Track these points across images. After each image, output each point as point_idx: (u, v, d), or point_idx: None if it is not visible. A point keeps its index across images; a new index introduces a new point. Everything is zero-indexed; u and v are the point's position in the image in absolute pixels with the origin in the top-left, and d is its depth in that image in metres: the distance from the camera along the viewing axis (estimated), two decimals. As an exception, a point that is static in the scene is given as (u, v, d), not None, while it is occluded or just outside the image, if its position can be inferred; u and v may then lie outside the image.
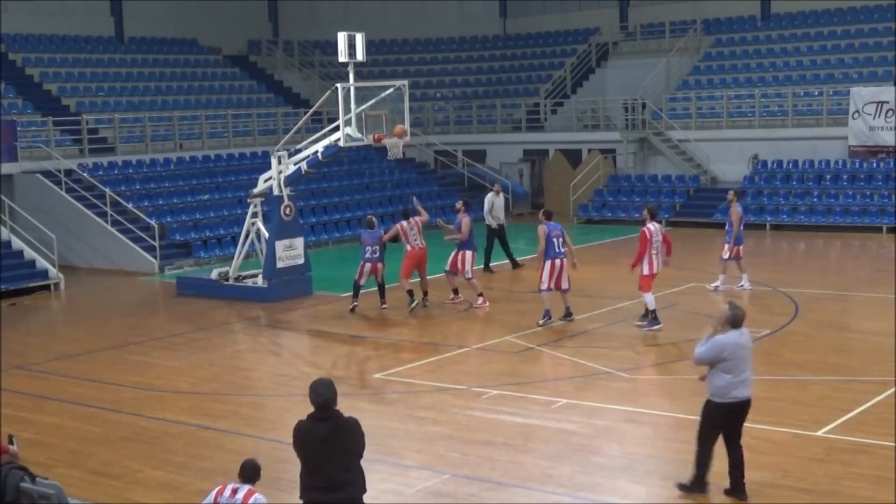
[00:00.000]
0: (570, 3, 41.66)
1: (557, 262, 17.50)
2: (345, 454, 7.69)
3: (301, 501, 7.89)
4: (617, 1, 40.11)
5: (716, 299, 19.78)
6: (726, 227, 20.54)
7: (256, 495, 7.84)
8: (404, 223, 19.77)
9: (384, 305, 19.71)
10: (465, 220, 19.79)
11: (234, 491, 7.89)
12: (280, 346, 18.12)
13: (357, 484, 7.76)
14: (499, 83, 40.31)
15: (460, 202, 20.64)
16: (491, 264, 23.72)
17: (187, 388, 15.01)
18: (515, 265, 23.91)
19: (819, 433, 11.86)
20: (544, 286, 17.57)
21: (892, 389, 13.25)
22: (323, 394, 7.72)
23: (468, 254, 19.78)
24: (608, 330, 17.67)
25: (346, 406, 13.70)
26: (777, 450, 11.39)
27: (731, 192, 21.26)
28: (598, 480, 10.86)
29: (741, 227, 20.42)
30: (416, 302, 19.43)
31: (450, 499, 10.39)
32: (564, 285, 17.73)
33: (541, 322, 17.63)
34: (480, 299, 19.71)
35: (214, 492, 7.97)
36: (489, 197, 24.15)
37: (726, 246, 20.28)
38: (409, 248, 19.64)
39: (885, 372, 14.11)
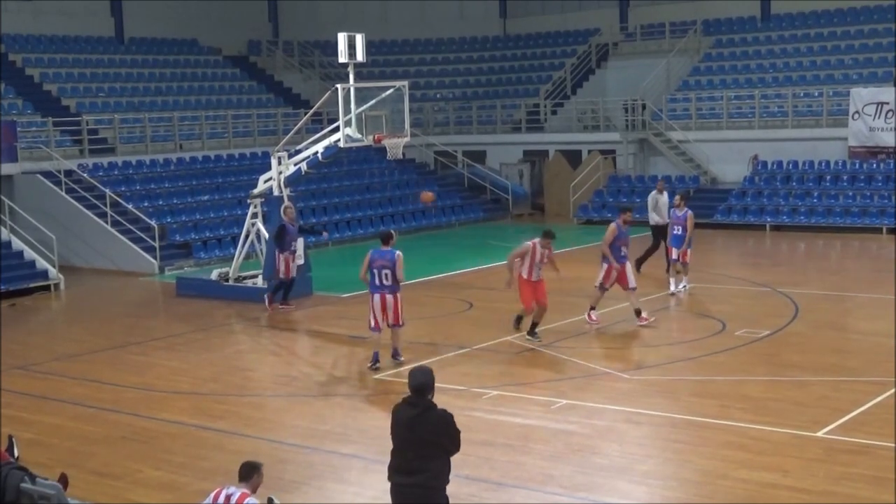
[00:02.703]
0: (570, 4, 41.67)
1: (379, 297, 15.15)
2: (425, 443, 7.77)
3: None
4: (617, 1, 40.12)
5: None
6: (678, 231, 20.06)
7: (249, 499, 7.80)
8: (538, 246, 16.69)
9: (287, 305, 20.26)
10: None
11: (228, 497, 7.85)
12: (280, 347, 18.12)
13: (433, 474, 7.82)
14: (499, 84, 40.32)
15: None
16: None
17: (187, 388, 15.01)
18: (637, 268, 21.79)
19: (819, 433, 11.85)
20: (373, 324, 15.32)
21: (892, 390, 13.25)
22: (416, 379, 7.86)
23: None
24: (608, 330, 17.67)
25: (346, 406, 13.82)
26: (777, 450, 11.39)
27: (679, 196, 20.77)
28: (598, 481, 10.86)
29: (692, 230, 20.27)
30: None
31: (450, 499, 10.37)
32: (399, 321, 15.36)
33: (369, 365, 15.44)
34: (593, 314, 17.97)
35: (211, 496, 7.95)
36: (653, 195, 22.79)
37: (675, 249, 20.06)
38: (525, 276, 16.64)
39: (885, 372, 14.11)
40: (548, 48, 41.02)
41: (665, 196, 22.82)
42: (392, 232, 15.81)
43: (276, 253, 20.06)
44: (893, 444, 11.26)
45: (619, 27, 39.71)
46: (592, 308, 17.98)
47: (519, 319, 17.25)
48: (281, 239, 19.99)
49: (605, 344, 16.69)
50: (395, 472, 7.94)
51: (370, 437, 12.31)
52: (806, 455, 11.22)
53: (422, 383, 7.82)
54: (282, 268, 20.07)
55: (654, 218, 22.49)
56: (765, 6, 37.27)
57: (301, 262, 20.77)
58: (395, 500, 7.97)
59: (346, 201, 31.51)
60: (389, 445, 12.14)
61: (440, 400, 13.73)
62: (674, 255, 20.23)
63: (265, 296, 20.41)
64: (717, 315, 18.25)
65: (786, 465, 10.91)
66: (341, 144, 20.12)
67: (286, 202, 20.60)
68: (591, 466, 11.24)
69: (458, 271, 23.96)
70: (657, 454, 11.68)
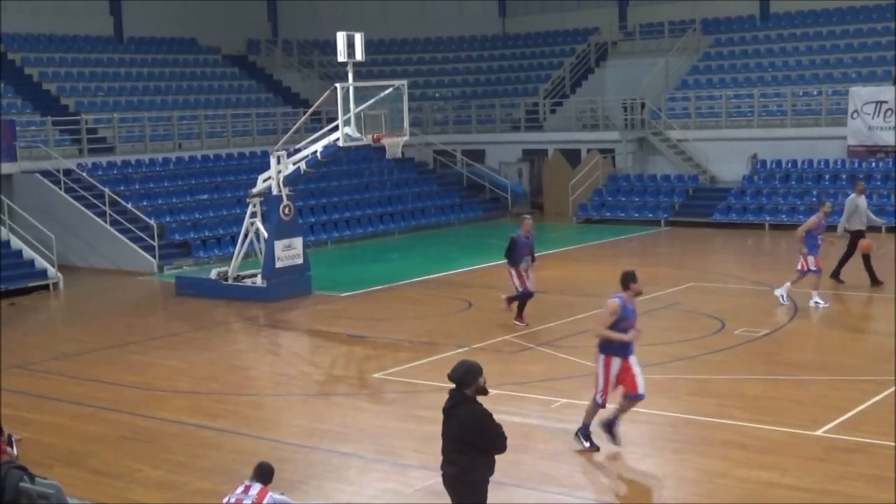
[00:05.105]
0: (569, 3, 41.64)
1: (620, 360, 11.40)
2: (455, 436, 7.97)
3: None
4: (616, 0, 40.12)
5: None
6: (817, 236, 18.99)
7: (271, 494, 7.89)
8: None
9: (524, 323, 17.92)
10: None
11: (247, 488, 7.94)
12: (279, 346, 18.13)
13: (462, 468, 7.98)
14: (498, 83, 40.30)
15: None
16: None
17: (186, 387, 15.01)
18: (876, 282, 20.56)
19: (818, 432, 11.86)
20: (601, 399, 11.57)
21: (891, 389, 13.25)
22: (453, 372, 8.02)
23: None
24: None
25: (344, 405, 13.81)
26: (776, 449, 11.40)
27: (828, 204, 19.47)
28: (597, 480, 10.86)
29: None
30: None
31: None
32: (640, 389, 11.52)
33: (588, 446, 11.64)
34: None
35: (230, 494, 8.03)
36: (852, 198, 20.93)
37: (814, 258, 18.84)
38: None
39: (885, 371, 14.11)
40: (547, 47, 41.01)
41: (864, 199, 21.06)
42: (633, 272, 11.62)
43: (509, 268, 17.83)
44: (892, 443, 11.26)
45: (619, 26, 39.71)
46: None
47: None
48: (512, 252, 17.77)
49: (605, 343, 16.66)
50: (442, 459, 8.18)
51: (369, 436, 12.32)
52: (805, 454, 11.22)
53: (454, 378, 8.00)
54: (517, 282, 17.71)
55: (853, 223, 20.92)
56: (764, 5, 37.26)
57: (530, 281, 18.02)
58: (444, 485, 8.22)
59: (345, 200, 31.49)
60: (388, 444, 12.22)
61: (440, 399, 13.73)
62: (815, 266, 19.01)
63: (505, 300, 18.13)
64: (716, 314, 18.26)
65: (785, 464, 10.92)
66: (340, 143, 20.14)
67: (526, 215, 18.54)
68: (590, 465, 11.25)
69: (457, 270, 23.97)
70: (656, 453, 11.69)
